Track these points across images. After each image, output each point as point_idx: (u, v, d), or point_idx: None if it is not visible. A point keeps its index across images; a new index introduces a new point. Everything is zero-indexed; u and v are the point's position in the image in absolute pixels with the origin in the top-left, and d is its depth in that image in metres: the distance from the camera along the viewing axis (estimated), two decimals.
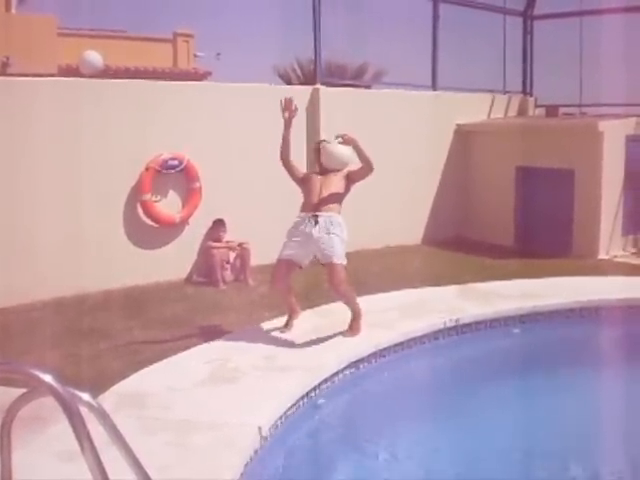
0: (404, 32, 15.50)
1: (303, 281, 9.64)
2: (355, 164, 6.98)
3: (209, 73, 23.12)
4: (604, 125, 11.54)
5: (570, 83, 15.04)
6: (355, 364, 6.26)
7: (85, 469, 2.31)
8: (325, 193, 6.81)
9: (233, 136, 10.39)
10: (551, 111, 14.44)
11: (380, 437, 5.47)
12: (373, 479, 5.02)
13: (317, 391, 5.68)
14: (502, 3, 14.79)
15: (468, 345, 7.28)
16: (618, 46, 12.89)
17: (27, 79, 9.03)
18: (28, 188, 8.73)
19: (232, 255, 9.87)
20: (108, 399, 5.07)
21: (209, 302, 8.81)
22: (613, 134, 11.56)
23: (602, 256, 11.46)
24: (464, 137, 13.29)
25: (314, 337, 6.78)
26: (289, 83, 21.56)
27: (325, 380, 5.82)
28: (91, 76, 10.42)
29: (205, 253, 9.94)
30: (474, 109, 13.65)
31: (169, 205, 9.81)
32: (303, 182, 7.07)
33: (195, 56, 25.09)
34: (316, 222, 6.68)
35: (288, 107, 6.97)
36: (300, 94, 11.34)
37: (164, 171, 9.60)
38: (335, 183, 6.88)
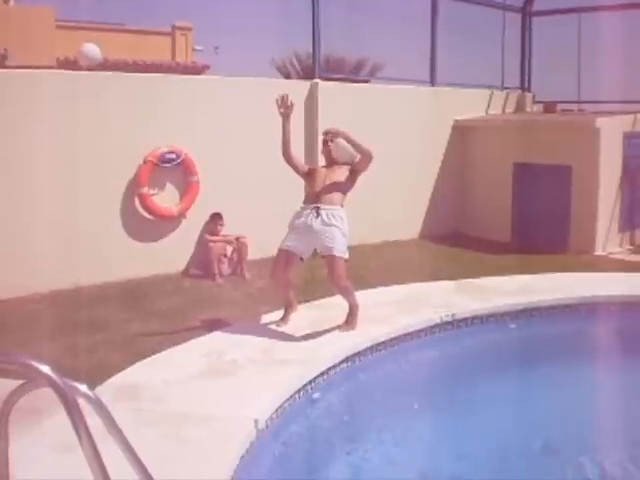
0: (403, 27, 15.51)
1: (300, 274, 9.67)
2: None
3: (207, 66, 23.09)
4: (601, 122, 11.56)
5: (568, 79, 15.06)
6: (351, 358, 6.28)
7: (82, 460, 2.32)
8: (328, 185, 6.81)
9: (231, 130, 10.39)
10: (549, 107, 14.46)
11: (376, 430, 5.49)
12: (368, 472, 5.03)
13: (313, 384, 5.69)
14: None
15: (464, 340, 7.30)
16: (616, 43, 12.90)
17: (25, 71, 9.03)
18: (26, 181, 8.72)
19: (229, 249, 9.89)
20: (105, 391, 5.07)
21: (206, 295, 8.82)
22: (610, 131, 11.58)
23: (598, 252, 11.49)
24: (462, 133, 13.30)
25: (311, 331, 6.79)
26: (287, 77, 21.57)
27: (321, 374, 5.84)
28: (89, 69, 10.39)
29: (202, 246, 9.95)
30: (472, 105, 13.66)
31: (167, 198, 9.82)
32: (309, 175, 7.09)
33: (193, 49, 25.08)
34: (318, 214, 6.67)
35: (284, 103, 6.93)
36: (298, 88, 11.36)
37: (162, 164, 9.60)
38: (339, 175, 6.88)
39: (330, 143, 6.99)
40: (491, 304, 7.71)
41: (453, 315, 7.32)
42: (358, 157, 6.90)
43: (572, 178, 11.65)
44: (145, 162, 9.47)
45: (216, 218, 9.98)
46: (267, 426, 4.84)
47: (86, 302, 8.37)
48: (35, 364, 2.34)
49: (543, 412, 5.94)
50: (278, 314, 7.26)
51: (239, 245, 9.84)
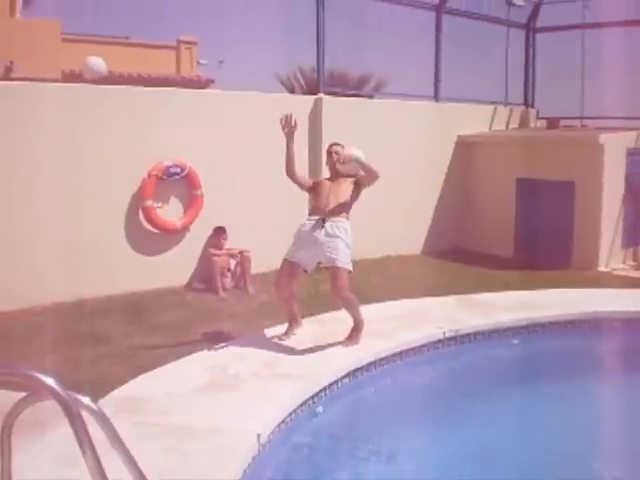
0: (407, 43, 15.53)
1: (304, 289, 9.67)
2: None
3: (212, 81, 23.16)
4: (605, 138, 11.57)
5: (571, 96, 15.09)
6: (354, 373, 6.27)
7: (85, 473, 2.32)
8: (333, 198, 6.85)
9: (235, 144, 10.42)
10: (552, 123, 14.49)
11: (378, 446, 5.48)
12: None
13: (316, 399, 5.69)
14: (505, 15, 14.84)
15: (467, 356, 7.30)
16: (619, 59, 12.94)
17: (30, 84, 9.05)
18: (29, 193, 8.74)
19: (233, 262, 9.89)
20: (107, 404, 5.07)
21: (209, 309, 8.82)
22: (614, 147, 11.59)
23: (602, 268, 11.47)
24: (465, 148, 13.32)
25: (313, 345, 6.80)
26: (292, 91, 21.62)
27: (324, 388, 5.83)
28: (94, 82, 10.44)
29: (206, 260, 9.95)
30: (476, 120, 13.69)
31: (170, 212, 9.83)
32: (313, 189, 7.13)
33: (198, 63, 25.16)
34: (323, 226, 6.72)
35: (287, 123, 6.94)
36: (303, 103, 11.41)
37: (166, 178, 9.63)
38: (344, 188, 6.92)
39: (335, 155, 7.01)
40: (494, 320, 7.71)
41: (456, 331, 7.32)
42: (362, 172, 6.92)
43: (575, 194, 11.65)
44: (149, 175, 9.49)
45: (219, 232, 9.99)
46: (270, 440, 4.84)
47: (89, 315, 8.37)
48: (39, 376, 2.35)
49: (546, 427, 5.92)
50: (281, 328, 7.27)
51: (242, 259, 9.85)
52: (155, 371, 6.12)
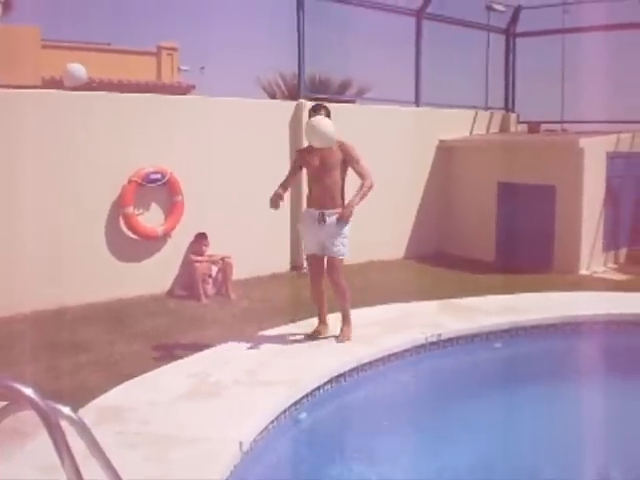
0: (388, 48, 15.59)
1: (284, 295, 9.67)
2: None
3: (193, 87, 23.15)
4: (585, 142, 11.64)
5: (552, 100, 15.19)
6: (337, 379, 6.26)
7: None
8: (329, 189, 7.01)
9: (216, 150, 10.40)
10: (533, 127, 14.57)
11: (360, 452, 5.48)
12: None
13: (298, 406, 5.67)
14: (485, 20, 14.92)
15: (450, 360, 7.30)
16: (599, 64, 13.03)
17: (8, 91, 8.99)
18: (9, 200, 8.68)
19: (214, 269, 9.86)
20: (88, 413, 5.04)
21: (191, 316, 8.79)
22: (594, 151, 11.66)
23: (583, 272, 11.54)
24: (446, 153, 13.36)
25: (295, 351, 6.78)
26: (273, 97, 21.60)
27: (306, 395, 5.81)
28: (75, 89, 10.39)
29: (187, 267, 9.92)
30: (457, 125, 13.74)
31: (151, 218, 9.79)
32: (305, 163, 7.16)
33: (179, 69, 25.13)
34: (323, 219, 6.95)
35: (275, 204, 7.12)
36: (284, 109, 11.41)
37: (147, 184, 9.59)
38: (334, 176, 7.04)
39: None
40: (476, 324, 7.71)
41: (439, 335, 7.32)
42: (334, 140, 6.96)
43: (556, 198, 11.71)
44: (130, 182, 9.45)
45: (201, 238, 9.96)
46: (252, 448, 4.81)
47: (70, 323, 8.32)
48: (17, 386, 2.32)
49: (527, 430, 5.94)
50: (264, 334, 7.28)
51: (224, 265, 9.82)
52: (137, 379, 6.07)
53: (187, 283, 9.88)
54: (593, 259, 11.80)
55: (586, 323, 7.90)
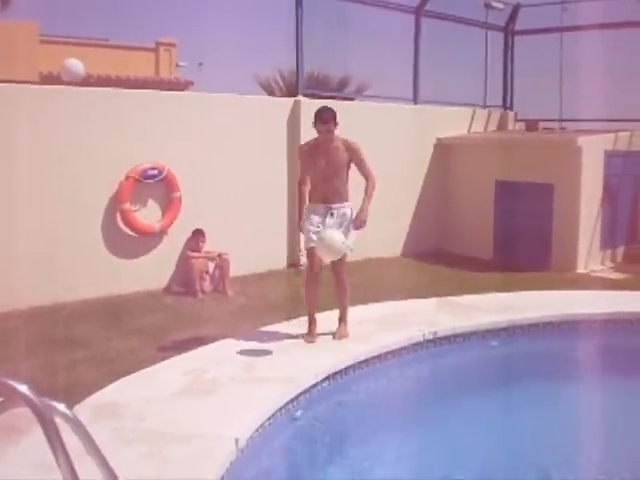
0: (387, 45, 15.56)
1: (281, 292, 9.65)
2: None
3: (191, 83, 23.13)
4: (583, 140, 11.64)
5: (550, 98, 15.17)
6: (333, 376, 6.25)
7: None
8: (335, 184, 7.01)
9: (214, 146, 10.39)
10: (531, 126, 14.55)
11: (356, 449, 5.47)
12: None
13: (295, 403, 5.66)
14: (484, 18, 14.90)
15: (446, 358, 7.30)
16: (597, 62, 13.01)
17: (5, 86, 8.97)
18: (5, 195, 8.66)
19: (211, 265, 9.84)
20: (84, 410, 5.02)
21: (187, 312, 8.77)
22: (592, 149, 11.65)
23: (580, 270, 11.54)
24: (444, 150, 13.35)
25: (292, 349, 6.77)
26: (271, 94, 21.57)
27: (303, 392, 5.80)
28: (72, 84, 10.37)
29: (184, 263, 9.91)
30: (455, 123, 13.73)
31: (148, 215, 9.78)
32: (311, 160, 7.08)
33: (177, 65, 25.09)
34: (331, 214, 6.98)
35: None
36: (281, 105, 11.39)
37: (144, 180, 9.57)
38: (341, 174, 7.04)
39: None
40: (473, 322, 7.70)
41: (435, 333, 7.31)
42: (345, 252, 6.95)
43: (554, 196, 11.71)
44: (127, 178, 9.44)
45: (198, 234, 9.94)
46: (248, 445, 4.80)
47: (66, 319, 8.30)
48: (11, 383, 2.31)
49: (523, 428, 5.93)
50: (260, 331, 7.27)
51: (221, 262, 9.80)
52: (133, 375, 6.06)
53: (184, 280, 9.87)
54: (590, 257, 11.80)
55: (584, 321, 7.90)
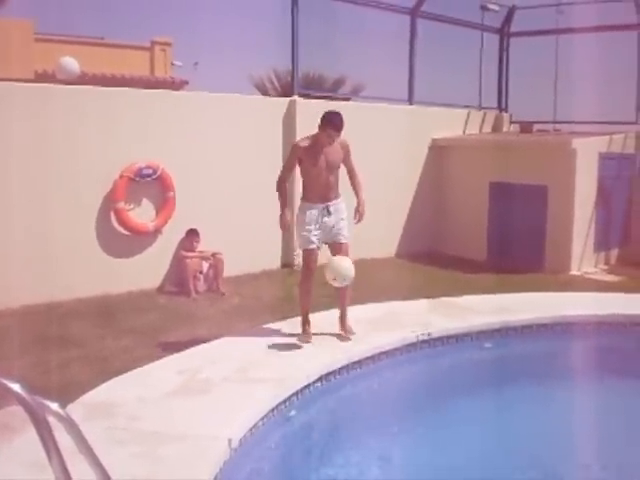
0: (382, 46, 15.58)
1: (275, 292, 9.65)
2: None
3: (186, 82, 23.11)
4: (577, 142, 11.66)
5: (545, 100, 15.21)
6: (326, 377, 6.25)
7: (53, 479, 2.28)
8: (330, 183, 7.07)
9: (209, 146, 10.38)
10: (525, 127, 14.57)
11: (350, 449, 5.47)
12: None
13: (288, 403, 5.66)
14: (479, 20, 14.93)
15: (440, 359, 7.30)
16: (592, 65, 13.04)
17: (1, 83, 8.94)
18: (0, 194, 8.63)
19: (205, 265, 9.84)
20: (77, 409, 5.02)
21: (181, 312, 8.77)
22: (586, 151, 11.68)
23: (574, 272, 11.56)
24: (439, 152, 13.36)
25: (285, 349, 6.77)
26: (265, 94, 21.57)
27: (296, 392, 5.80)
28: (67, 82, 10.34)
29: (178, 263, 9.90)
30: (449, 124, 13.75)
31: (143, 214, 9.77)
32: (307, 156, 7.07)
33: (172, 65, 25.06)
34: (328, 212, 7.04)
35: (285, 227, 7.25)
36: (277, 105, 11.39)
37: (138, 179, 9.56)
38: (337, 168, 7.13)
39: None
40: (467, 323, 7.71)
41: (429, 334, 7.31)
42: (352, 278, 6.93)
43: (548, 198, 11.73)
44: (121, 177, 9.42)
45: (192, 234, 9.94)
46: (241, 445, 4.80)
47: (59, 318, 8.28)
48: (4, 382, 2.30)
49: (516, 430, 5.94)
50: (253, 331, 7.26)
51: (215, 261, 9.80)
52: (126, 375, 6.05)
53: (178, 279, 9.86)
54: (584, 260, 11.82)
55: (577, 323, 7.91)
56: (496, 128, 14.89)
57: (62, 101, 9.14)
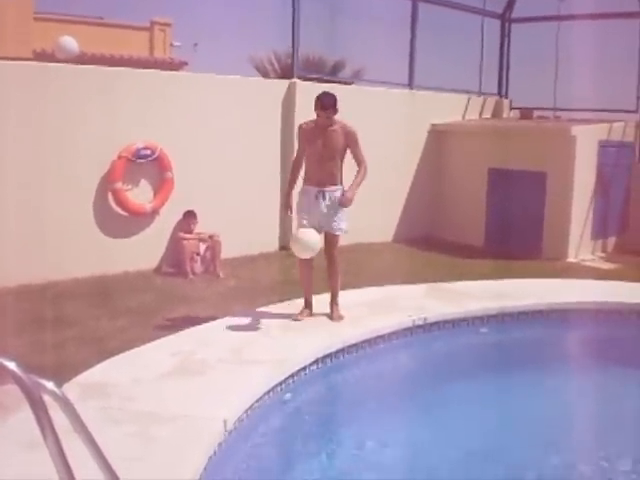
0: (383, 30, 15.52)
1: (272, 274, 9.64)
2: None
3: (185, 63, 23.03)
4: (577, 129, 11.65)
5: (545, 87, 15.16)
6: (322, 360, 6.25)
7: (48, 458, 2.28)
8: (329, 168, 7.03)
9: (207, 127, 10.34)
10: (525, 114, 14.55)
11: (344, 431, 5.49)
12: (337, 473, 5.01)
13: (283, 385, 5.66)
14: (481, 5, 14.85)
15: (435, 344, 7.31)
16: (593, 52, 12.99)
17: None
18: None
19: (202, 247, 9.83)
20: (72, 389, 5.01)
21: (177, 293, 8.76)
22: (586, 139, 11.67)
23: (571, 259, 11.57)
24: (438, 137, 13.33)
25: (282, 331, 6.77)
26: (265, 76, 21.50)
27: (292, 375, 5.80)
28: (66, 62, 10.29)
29: (175, 244, 9.89)
30: (449, 109, 13.71)
31: (140, 194, 9.74)
32: (308, 143, 7.10)
33: (172, 45, 24.96)
34: (324, 198, 6.98)
35: (286, 210, 7.36)
36: (276, 87, 11.35)
37: (136, 160, 9.53)
38: (336, 153, 7.06)
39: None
40: (463, 308, 7.72)
41: (425, 319, 7.32)
42: (317, 250, 6.91)
43: (547, 185, 11.72)
44: (119, 157, 9.39)
45: (189, 216, 9.92)
46: (236, 427, 4.80)
47: (55, 298, 8.27)
48: (0, 360, 2.29)
49: (510, 415, 5.96)
50: (250, 313, 7.27)
51: (212, 243, 9.79)
52: (122, 355, 6.04)
53: (175, 260, 9.85)
54: (582, 247, 11.83)
55: (573, 310, 7.92)
56: (496, 114, 14.85)
57: (60, 80, 9.09)
